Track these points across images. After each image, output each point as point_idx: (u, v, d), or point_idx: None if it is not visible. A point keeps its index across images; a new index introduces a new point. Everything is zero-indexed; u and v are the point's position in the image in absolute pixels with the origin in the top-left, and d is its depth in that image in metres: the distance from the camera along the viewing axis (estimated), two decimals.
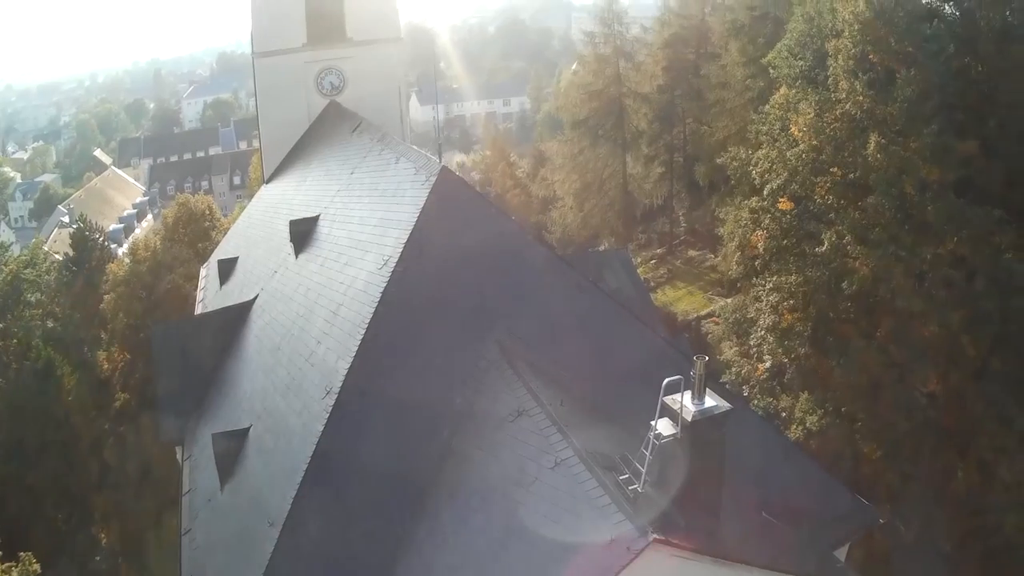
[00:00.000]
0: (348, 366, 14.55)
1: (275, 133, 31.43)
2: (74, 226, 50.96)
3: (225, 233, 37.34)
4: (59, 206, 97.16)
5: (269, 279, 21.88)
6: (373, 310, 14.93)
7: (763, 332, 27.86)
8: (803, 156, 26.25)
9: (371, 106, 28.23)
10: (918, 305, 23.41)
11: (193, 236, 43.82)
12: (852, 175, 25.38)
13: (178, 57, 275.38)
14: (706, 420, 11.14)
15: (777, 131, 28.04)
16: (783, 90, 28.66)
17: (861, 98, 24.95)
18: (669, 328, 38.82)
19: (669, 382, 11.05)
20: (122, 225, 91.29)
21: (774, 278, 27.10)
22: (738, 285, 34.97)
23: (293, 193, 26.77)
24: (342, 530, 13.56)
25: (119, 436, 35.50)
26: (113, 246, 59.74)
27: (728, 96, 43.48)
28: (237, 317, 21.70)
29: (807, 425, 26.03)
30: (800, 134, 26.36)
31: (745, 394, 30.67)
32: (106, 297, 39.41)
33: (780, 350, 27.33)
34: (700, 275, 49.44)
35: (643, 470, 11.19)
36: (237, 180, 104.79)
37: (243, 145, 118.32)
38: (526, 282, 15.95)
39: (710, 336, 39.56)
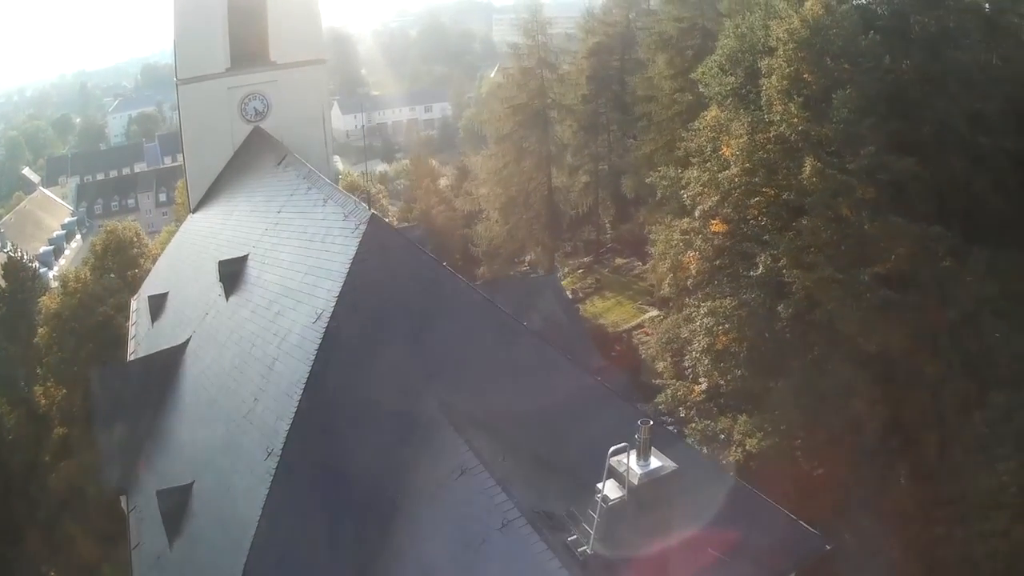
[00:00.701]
0: (288, 427, 14.71)
1: (200, 160, 31.29)
2: (5, 254, 50.76)
3: (154, 261, 37.74)
4: None
5: (201, 321, 21.92)
6: (309, 369, 15.04)
7: (698, 354, 27.40)
8: (735, 179, 25.88)
9: (296, 133, 28.66)
10: (854, 328, 23.31)
11: (122, 265, 43.37)
12: (786, 195, 25.16)
13: (104, 68, 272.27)
14: (652, 482, 11.77)
15: (708, 152, 27.65)
16: (714, 110, 28.12)
17: (796, 120, 24.54)
18: (600, 343, 38.53)
19: (615, 449, 11.69)
20: (52, 247, 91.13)
21: (708, 302, 26.51)
22: (670, 304, 34.68)
23: (220, 227, 26.80)
24: None
25: (59, 471, 34.77)
26: (43, 269, 60.46)
27: (655, 109, 42.83)
28: (172, 361, 21.72)
29: (747, 447, 25.72)
30: (733, 156, 26.01)
31: (681, 415, 30.44)
32: (40, 331, 38.82)
33: (716, 372, 27.01)
34: (628, 284, 49.14)
35: (591, 531, 11.80)
36: (163, 197, 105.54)
37: (168, 160, 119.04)
38: (462, 332, 16.28)
39: (642, 348, 39.32)
